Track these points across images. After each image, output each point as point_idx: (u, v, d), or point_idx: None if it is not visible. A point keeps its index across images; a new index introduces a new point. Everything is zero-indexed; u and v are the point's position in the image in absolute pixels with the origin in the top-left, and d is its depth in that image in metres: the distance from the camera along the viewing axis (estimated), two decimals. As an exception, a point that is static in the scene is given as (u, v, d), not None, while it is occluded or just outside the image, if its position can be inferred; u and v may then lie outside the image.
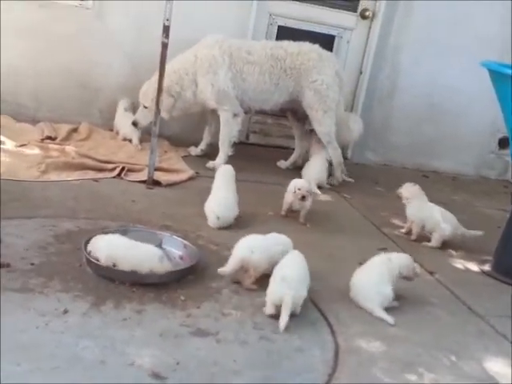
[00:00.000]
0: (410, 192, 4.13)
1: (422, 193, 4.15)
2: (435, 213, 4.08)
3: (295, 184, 4.04)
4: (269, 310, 2.76)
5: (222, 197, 3.81)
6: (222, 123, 4.98)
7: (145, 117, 5.02)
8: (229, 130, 4.97)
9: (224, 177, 3.99)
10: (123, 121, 5.24)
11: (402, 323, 2.95)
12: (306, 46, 5.12)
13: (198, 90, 4.93)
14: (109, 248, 2.88)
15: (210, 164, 4.89)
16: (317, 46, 5.17)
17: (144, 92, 5.03)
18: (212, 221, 3.74)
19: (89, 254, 2.91)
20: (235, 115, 4.96)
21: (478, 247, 4.10)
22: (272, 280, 2.82)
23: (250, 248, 3.00)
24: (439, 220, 4.04)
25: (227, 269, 2.99)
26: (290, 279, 2.76)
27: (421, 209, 4.11)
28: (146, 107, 5.01)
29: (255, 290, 2.97)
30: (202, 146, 5.28)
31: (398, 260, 3.16)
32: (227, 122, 4.95)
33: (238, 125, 5.00)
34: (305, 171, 4.93)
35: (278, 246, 3.11)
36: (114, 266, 2.85)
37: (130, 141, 5.14)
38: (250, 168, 5.04)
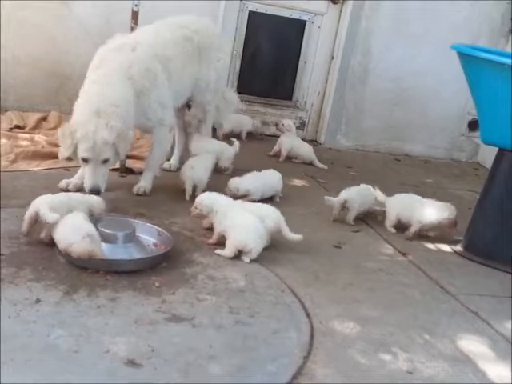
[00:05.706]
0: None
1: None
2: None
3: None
4: None
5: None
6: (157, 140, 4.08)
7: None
8: (165, 147, 4.16)
9: None
10: None
11: (375, 303, 2.98)
12: (202, 22, 4.43)
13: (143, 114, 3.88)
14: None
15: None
16: (208, 20, 4.59)
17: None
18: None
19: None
20: (171, 129, 4.18)
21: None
22: None
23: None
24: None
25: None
26: None
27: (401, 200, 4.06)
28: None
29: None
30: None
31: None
32: (164, 137, 4.08)
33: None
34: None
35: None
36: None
37: None
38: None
